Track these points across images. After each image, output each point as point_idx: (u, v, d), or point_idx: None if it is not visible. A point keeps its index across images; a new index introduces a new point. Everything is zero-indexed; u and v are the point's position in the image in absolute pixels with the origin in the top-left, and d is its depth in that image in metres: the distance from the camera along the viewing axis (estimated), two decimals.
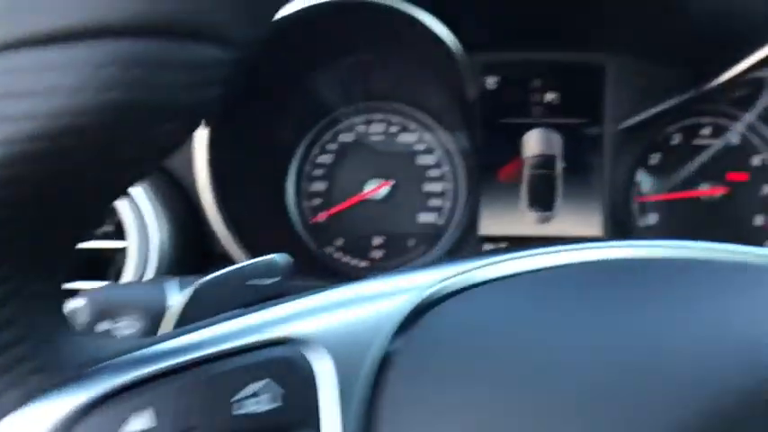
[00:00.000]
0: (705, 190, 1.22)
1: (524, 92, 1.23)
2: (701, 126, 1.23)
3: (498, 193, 1.24)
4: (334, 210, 1.23)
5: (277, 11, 0.36)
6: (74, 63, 0.28)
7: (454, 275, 0.43)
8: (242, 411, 0.35)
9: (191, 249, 1.02)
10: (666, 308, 0.41)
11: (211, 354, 0.37)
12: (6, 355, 0.33)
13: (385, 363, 0.38)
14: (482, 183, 1.23)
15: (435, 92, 1.09)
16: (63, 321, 0.37)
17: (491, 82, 1.23)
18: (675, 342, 0.37)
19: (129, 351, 0.38)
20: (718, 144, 1.23)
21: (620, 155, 1.21)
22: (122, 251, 0.96)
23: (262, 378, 0.36)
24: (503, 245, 1.24)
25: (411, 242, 1.24)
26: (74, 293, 0.59)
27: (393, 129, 1.23)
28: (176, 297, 0.59)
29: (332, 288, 0.44)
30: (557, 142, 1.22)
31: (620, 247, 0.43)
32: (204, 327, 0.40)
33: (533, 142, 1.23)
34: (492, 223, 1.24)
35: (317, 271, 1.22)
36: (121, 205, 0.95)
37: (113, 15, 0.28)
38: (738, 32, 0.99)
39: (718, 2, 1.00)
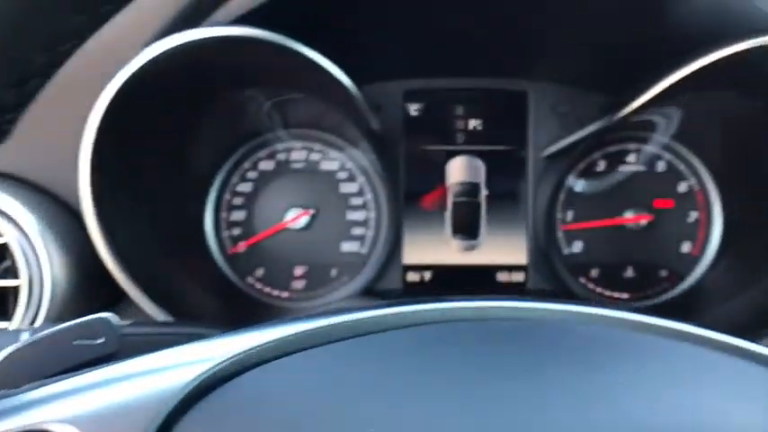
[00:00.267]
0: (630, 217, 1.21)
1: (447, 119, 1.22)
2: (627, 152, 1.22)
3: (422, 221, 1.22)
4: (252, 240, 1.20)
5: None
6: None
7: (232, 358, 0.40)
8: None
9: (95, 289, 0.99)
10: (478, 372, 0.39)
11: None
12: None
13: None
14: (406, 211, 1.21)
15: (345, 122, 1.07)
16: None
17: (413, 109, 1.21)
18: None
19: None
20: (641, 170, 1.22)
21: (543, 182, 1.19)
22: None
23: None
24: (426, 274, 1.22)
25: (334, 272, 1.21)
26: None
27: (314, 156, 1.21)
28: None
29: (120, 362, 0.41)
30: (480, 169, 1.21)
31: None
32: None
33: (457, 169, 1.21)
34: (416, 252, 1.22)
35: (239, 302, 1.19)
36: (13, 241, 0.91)
37: None
38: (654, 59, 0.99)
39: (634, 31, 0.99)
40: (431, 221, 1.21)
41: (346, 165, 1.21)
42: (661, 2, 0.92)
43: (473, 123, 1.22)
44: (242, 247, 1.20)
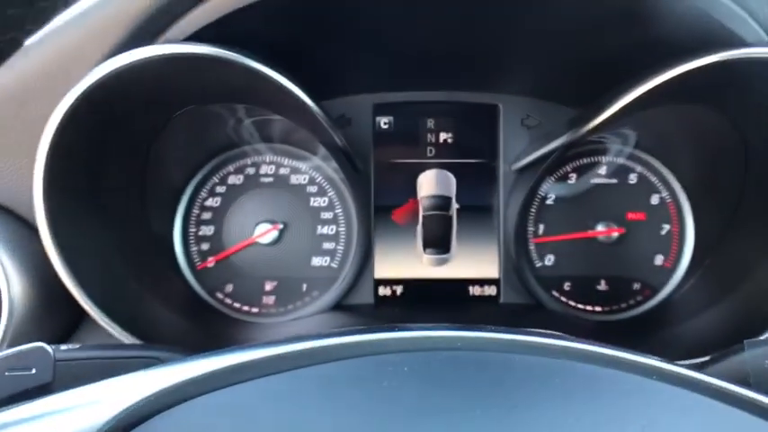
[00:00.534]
0: (602, 230, 1.20)
1: (417, 132, 1.21)
2: (598, 165, 1.22)
3: (393, 234, 1.21)
4: (222, 255, 1.19)
5: None
6: None
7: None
8: None
9: (58, 309, 0.97)
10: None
11: None
12: None
13: None
14: (376, 224, 1.20)
15: (310, 137, 1.06)
16: None
17: (383, 122, 1.20)
18: None
19: None
20: (613, 183, 1.21)
21: (514, 195, 1.19)
22: None
23: None
24: (398, 288, 1.21)
25: (304, 287, 1.20)
26: None
27: (283, 170, 1.20)
28: None
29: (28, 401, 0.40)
30: (451, 183, 1.20)
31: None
32: None
33: (427, 183, 1.20)
34: (387, 266, 1.21)
35: (209, 319, 1.18)
36: None
37: None
38: (623, 73, 0.98)
39: (604, 46, 0.99)
40: (402, 235, 1.21)
41: (316, 179, 1.20)
42: (631, 18, 0.91)
43: (443, 136, 1.21)
44: (211, 262, 1.19)
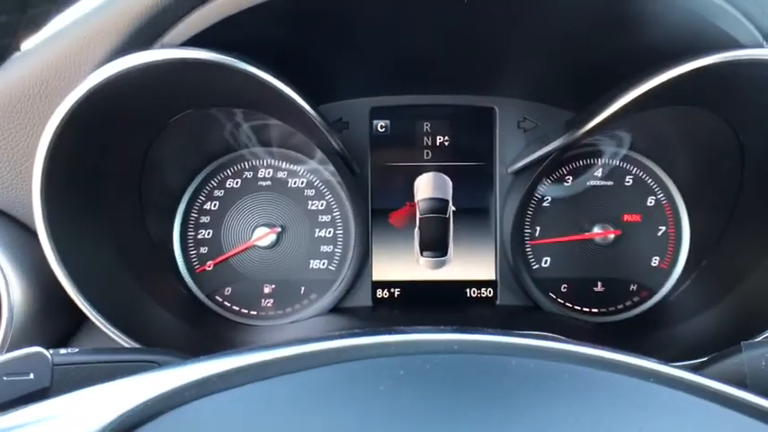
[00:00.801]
0: (599, 232, 1.20)
1: (414, 135, 1.22)
2: (594, 168, 1.22)
3: (390, 237, 1.21)
4: (220, 258, 1.19)
5: None
6: None
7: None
8: None
9: (59, 312, 0.97)
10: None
11: None
12: None
13: None
14: (374, 227, 1.21)
15: (308, 141, 1.07)
16: None
17: (380, 126, 1.21)
18: None
19: None
20: (609, 185, 1.21)
21: (511, 197, 1.19)
22: None
23: None
24: (396, 290, 1.21)
25: (302, 289, 1.20)
26: None
27: (281, 174, 1.20)
28: None
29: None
30: (448, 185, 1.21)
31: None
32: None
33: (424, 186, 1.21)
34: (384, 269, 1.21)
35: (207, 322, 1.18)
36: None
37: None
38: (618, 76, 0.99)
39: (599, 49, 1.00)
40: (399, 238, 1.21)
41: (313, 182, 1.20)
42: (626, 22, 0.92)
43: (440, 139, 1.21)
44: (210, 265, 1.19)
